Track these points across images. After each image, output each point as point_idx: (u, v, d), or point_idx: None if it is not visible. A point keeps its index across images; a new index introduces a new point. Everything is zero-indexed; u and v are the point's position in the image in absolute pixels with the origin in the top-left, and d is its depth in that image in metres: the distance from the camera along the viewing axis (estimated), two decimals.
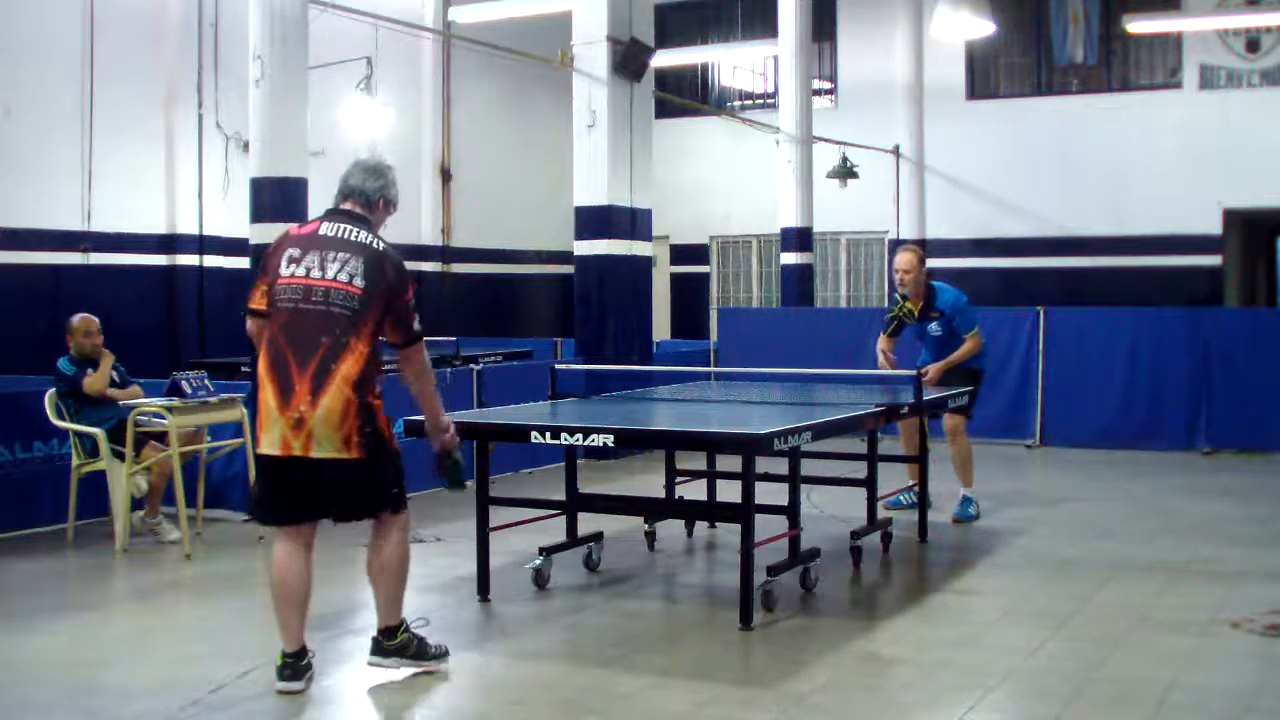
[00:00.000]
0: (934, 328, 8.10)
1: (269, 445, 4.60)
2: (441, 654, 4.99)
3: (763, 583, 5.74)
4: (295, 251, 4.66)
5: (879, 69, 18.66)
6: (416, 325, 4.73)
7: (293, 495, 4.67)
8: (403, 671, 4.91)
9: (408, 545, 4.92)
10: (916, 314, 8.14)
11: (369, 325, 4.59)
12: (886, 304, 8.59)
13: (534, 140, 18.02)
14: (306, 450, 4.53)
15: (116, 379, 7.70)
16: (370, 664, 4.93)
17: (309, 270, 4.60)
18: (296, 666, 4.73)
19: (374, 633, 4.94)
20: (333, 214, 4.79)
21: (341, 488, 4.66)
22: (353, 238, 4.66)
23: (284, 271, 4.64)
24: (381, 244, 4.71)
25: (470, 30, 15.15)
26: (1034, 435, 11.60)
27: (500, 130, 17.79)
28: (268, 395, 4.59)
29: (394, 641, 4.89)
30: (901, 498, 8.08)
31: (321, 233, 4.69)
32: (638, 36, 11.04)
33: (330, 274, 4.58)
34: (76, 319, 7.69)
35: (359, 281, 4.58)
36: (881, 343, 8.29)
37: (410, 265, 17.28)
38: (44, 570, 6.98)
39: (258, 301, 4.71)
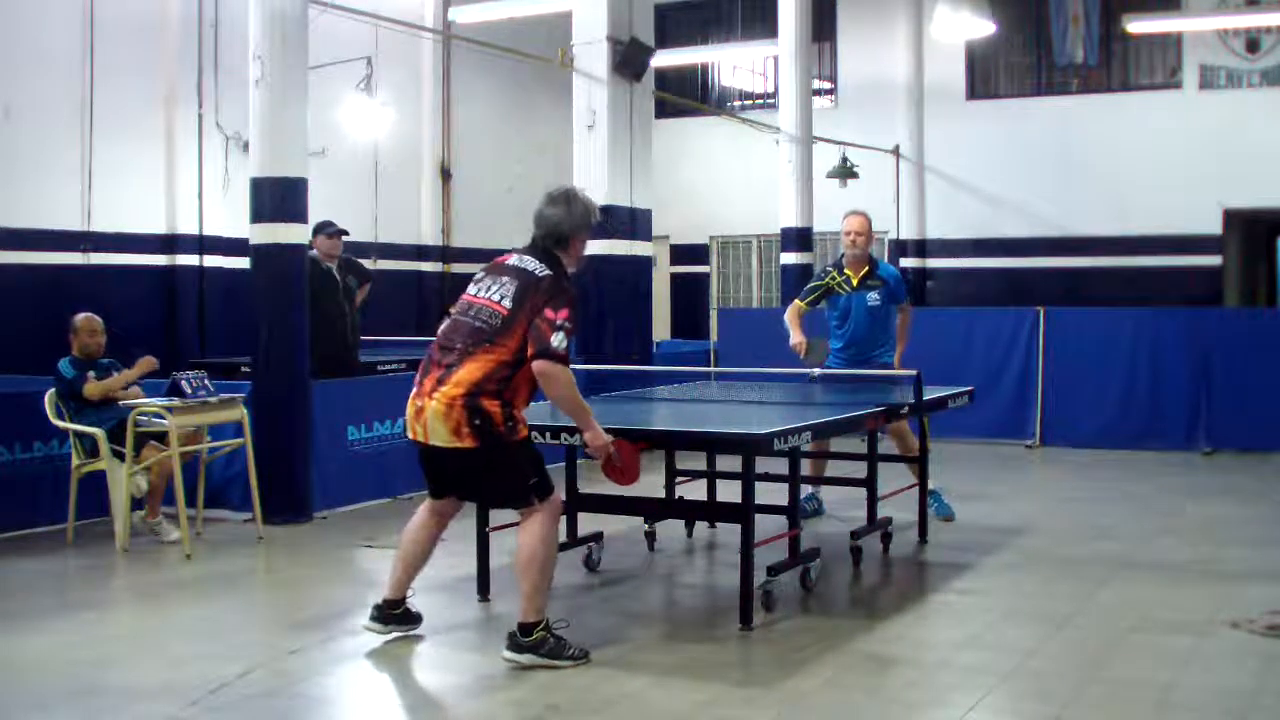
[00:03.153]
0: (873, 297, 7.95)
1: (407, 429, 5.16)
2: (580, 656, 5.04)
3: (763, 583, 5.75)
4: (480, 275, 5.25)
5: (879, 69, 18.66)
6: (555, 343, 4.90)
7: (430, 475, 5.27)
8: (530, 664, 4.96)
9: (549, 539, 5.06)
10: (855, 282, 7.97)
11: (509, 342, 4.95)
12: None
13: (534, 140, 18.01)
14: (426, 438, 5.04)
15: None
16: (504, 658, 5.01)
17: (479, 291, 5.15)
18: (384, 613, 5.35)
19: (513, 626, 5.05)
20: (526, 247, 5.25)
21: (466, 474, 5.12)
22: (523, 265, 5.12)
23: (469, 290, 5.22)
24: (544, 271, 5.05)
25: (470, 30, 15.14)
26: (1034, 435, 11.60)
27: (500, 130, 17.78)
28: (414, 386, 5.12)
29: (530, 638, 4.98)
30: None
31: (507, 262, 5.21)
32: (638, 36, 11.03)
33: (490, 294, 5.08)
34: (80, 318, 7.67)
35: (507, 302, 5.01)
36: (792, 312, 7.97)
37: (410, 265, 17.08)
38: (44, 570, 6.98)
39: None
